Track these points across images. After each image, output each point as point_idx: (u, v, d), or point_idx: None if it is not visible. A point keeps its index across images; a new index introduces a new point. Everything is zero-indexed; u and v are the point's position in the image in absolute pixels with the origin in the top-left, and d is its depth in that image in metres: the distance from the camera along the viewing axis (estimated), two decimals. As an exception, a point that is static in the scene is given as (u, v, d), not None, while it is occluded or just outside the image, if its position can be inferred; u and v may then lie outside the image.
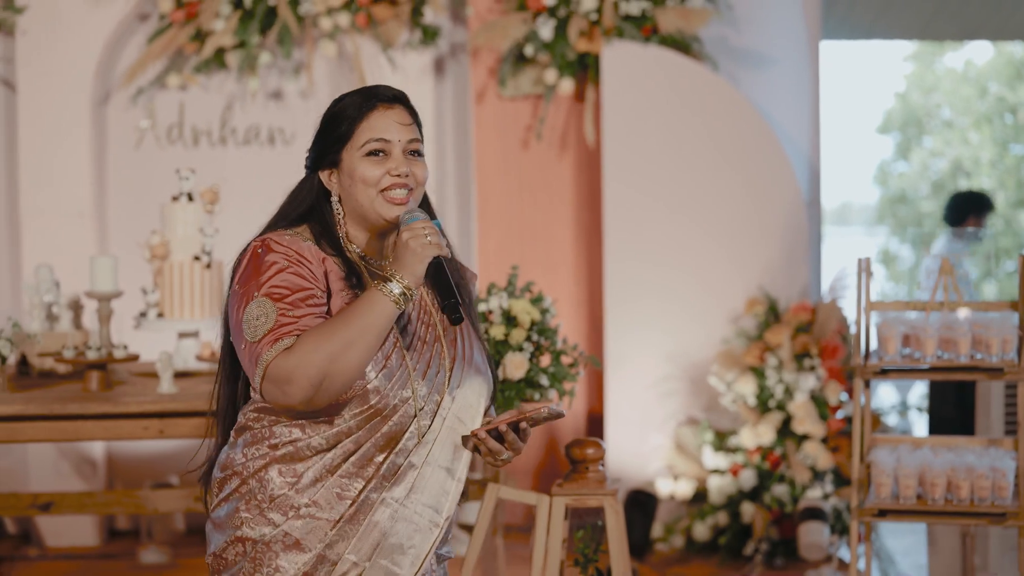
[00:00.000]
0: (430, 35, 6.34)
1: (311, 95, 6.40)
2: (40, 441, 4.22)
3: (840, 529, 5.80)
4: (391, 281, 2.34)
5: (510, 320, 4.05)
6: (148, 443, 6.20)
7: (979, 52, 17.73)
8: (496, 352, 4.03)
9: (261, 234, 2.47)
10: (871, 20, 9.38)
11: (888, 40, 11.44)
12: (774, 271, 6.16)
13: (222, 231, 5.01)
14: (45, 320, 4.91)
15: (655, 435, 6.16)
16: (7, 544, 6.18)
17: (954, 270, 4.17)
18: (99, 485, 6.25)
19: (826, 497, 5.82)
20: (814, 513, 5.68)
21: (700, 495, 6.05)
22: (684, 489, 6.03)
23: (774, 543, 5.82)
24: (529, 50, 6.27)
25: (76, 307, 5.00)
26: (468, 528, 6.24)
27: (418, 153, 2.52)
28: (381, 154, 2.47)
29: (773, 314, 6.02)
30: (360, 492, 2.40)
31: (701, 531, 5.92)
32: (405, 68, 6.42)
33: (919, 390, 8.36)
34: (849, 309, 5.99)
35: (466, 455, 2.51)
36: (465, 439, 2.47)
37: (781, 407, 5.88)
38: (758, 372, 5.90)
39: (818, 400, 5.87)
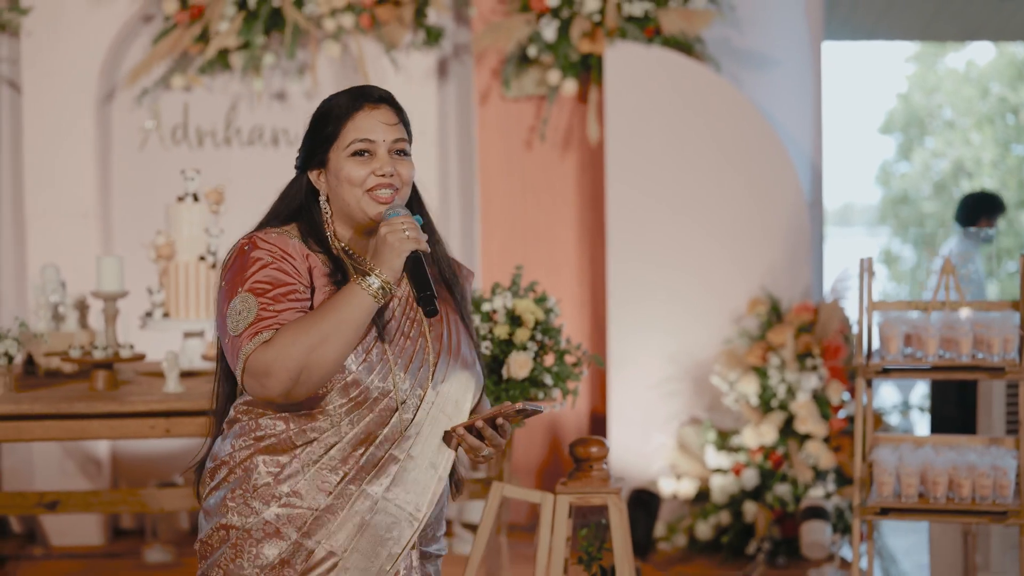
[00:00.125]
0: (433, 36, 6.36)
1: (315, 96, 6.42)
2: (47, 440, 4.26)
3: (842, 528, 5.82)
4: (370, 275, 2.38)
5: (514, 319, 4.07)
6: (153, 443, 6.22)
7: (981, 53, 17.76)
8: (500, 351, 4.05)
9: (251, 232, 2.52)
10: (873, 21, 9.40)
11: (890, 41, 11.45)
12: (776, 271, 6.17)
13: (227, 231, 5.02)
14: (51, 320, 4.94)
15: (658, 435, 6.17)
16: (12, 543, 6.20)
17: (956, 270, 4.19)
18: (104, 484, 6.28)
19: (828, 496, 5.84)
20: (816, 512, 5.70)
21: (703, 494, 6.06)
22: (687, 488, 6.05)
23: (776, 542, 5.84)
24: (532, 51, 6.30)
25: (82, 307, 5.02)
26: (471, 527, 6.27)
27: (404, 152, 2.54)
28: (367, 154, 2.50)
29: (775, 314, 6.04)
30: (339, 483, 2.44)
31: (704, 530, 5.94)
32: (409, 69, 6.44)
33: (921, 390, 8.37)
34: (851, 309, 6.01)
35: (450, 451, 2.53)
36: (447, 436, 2.49)
37: (783, 407, 5.89)
38: (760, 372, 5.92)
39: (820, 400, 5.89)
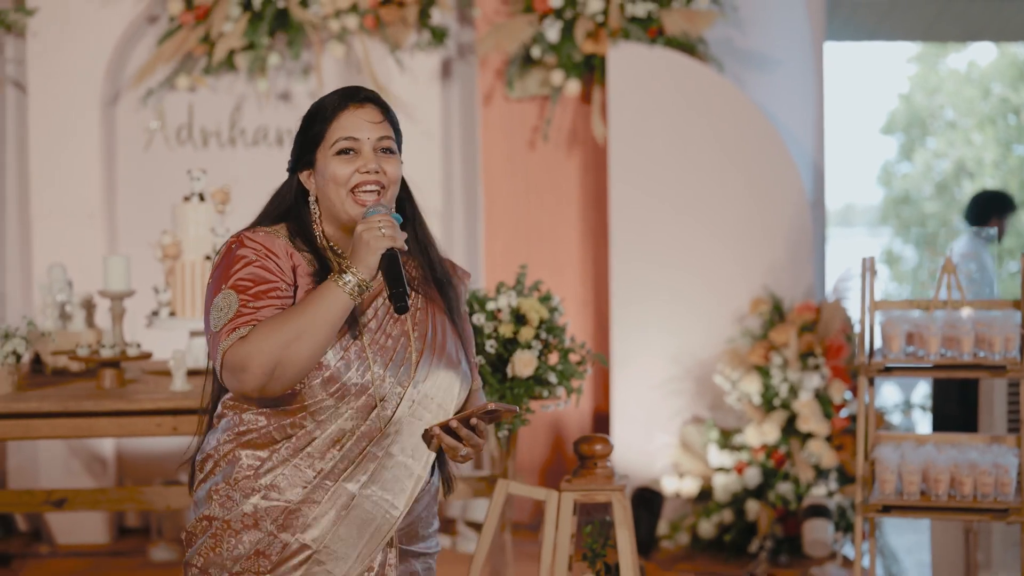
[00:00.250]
0: (438, 36, 6.39)
1: (320, 96, 6.44)
2: (55, 438, 4.28)
3: (844, 526, 5.84)
4: (346, 273, 2.40)
5: (519, 318, 4.10)
6: (157, 441, 6.25)
7: (982, 53, 17.76)
8: (505, 349, 4.07)
9: (240, 231, 2.56)
10: (875, 22, 9.42)
11: (892, 41, 11.48)
12: (779, 271, 6.20)
13: (233, 231, 5.04)
14: (58, 319, 4.97)
15: (661, 433, 6.20)
16: (18, 541, 6.23)
17: (957, 269, 4.22)
18: (109, 483, 6.30)
19: (830, 495, 5.86)
20: (818, 510, 5.72)
21: (705, 493, 6.09)
22: (689, 487, 6.07)
23: (779, 540, 5.86)
24: (536, 52, 6.32)
25: (89, 306, 5.05)
26: (474, 525, 6.29)
27: (390, 151, 2.56)
28: (352, 152, 2.53)
29: (778, 314, 6.06)
30: (317, 478, 2.47)
31: (706, 528, 5.97)
32: (413, 69, 6.47)
33: (922, 390, 8.39)
34: (853, 309, 6.03)
35: (431, 444, 2.54)
36: (426, 436, 2.51)
37: (786, 406, 5.92)
38: (763, 371, 5.94)
39: (822, 399, 5.91)
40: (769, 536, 5.82)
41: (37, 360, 4.86)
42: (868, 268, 4.26)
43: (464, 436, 2.47)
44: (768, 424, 5.88)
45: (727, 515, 5.95)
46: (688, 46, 6.29)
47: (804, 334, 5.97)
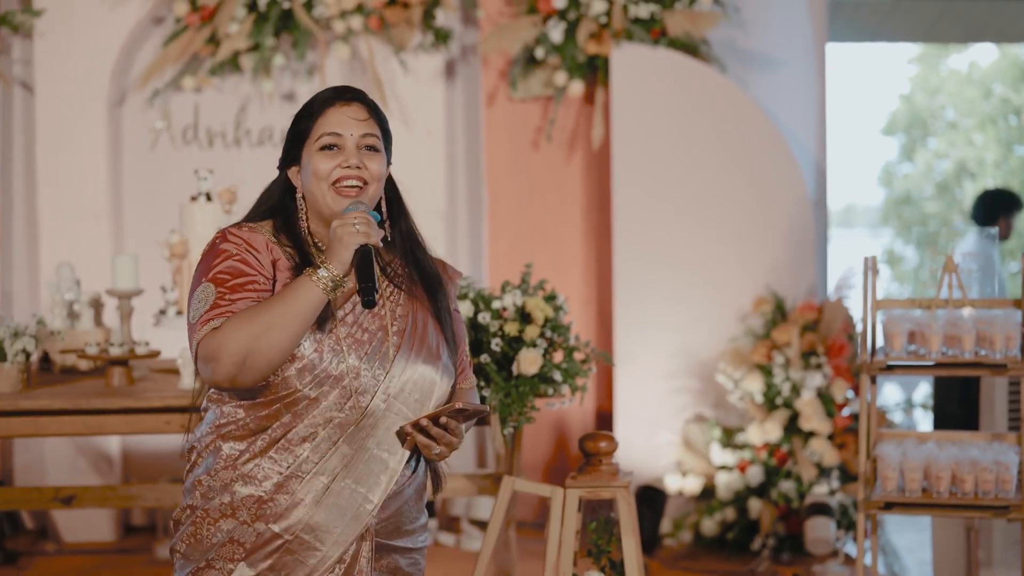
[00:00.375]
0: (442, 37, 6.42)
1: (319, 96, 6.47)
2: (65, 435, 4.31)
3: (846, 524, 5.87)
4: (321, 268, 2.45)
5: (524, 317, 4.13)
6: (163, 440, 6.28)
7: (983, 54, 17.79)
8: (510, 348, 4.10)
9: (225, 227, 2.62)
10: (876, 23, 9.45)
11: (893, 42, 11.51)
12: (781, 271, 6.22)
13: (237, 230, 5.07)
14: (66, 318, 5.00)
15: (664, 432, 6.23)
16: (25, 539, 6.26)
17: (959, 268, 4.25)
18: (115, 481, 6.33)
19: (832, 493, 5.89)
20: (820, 509, 5.75)
21: (708, 491, 6.11)
22: (692, 485, 6.10)
23: (781, 538, 5.89)
24: (539, 52, 6.35)
25: (97, 305, 5.09)
26: (478, 523, 6.32)
27: (374, 148, 2.59)
28: (335, 148, 2.57)
29: (780, 313, 6.09)
30: (291, 468, 2.51)
31: (709, 526, 5.99)
32: (417, 70, 6.50)
33: (923, 389, 8.42)
34: (855, 308, 6.06)
35: (407, 441, 2.57)
36: (399, 434, 2.55)
37: (788, 404, 5.94)
38: (765, 370, 5.97)
39: (824, 397, 5.93)
40: (771, 534, 5.85)
41: (45, 359, 4.90)
42: (870, 267, 4.29)
43: (435, 435, 2.51)
44: (770, 423, 5.91)
45: (729, 513, 5.98)
46: (691, 47, 6.32)
47: (806, 333, 6.00)
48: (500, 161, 6.62)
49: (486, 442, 6.50)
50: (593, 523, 3.69)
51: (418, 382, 2.58)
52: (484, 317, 4.11)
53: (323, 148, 2.57)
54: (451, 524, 6.38)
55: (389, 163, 2.65)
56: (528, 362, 4.05)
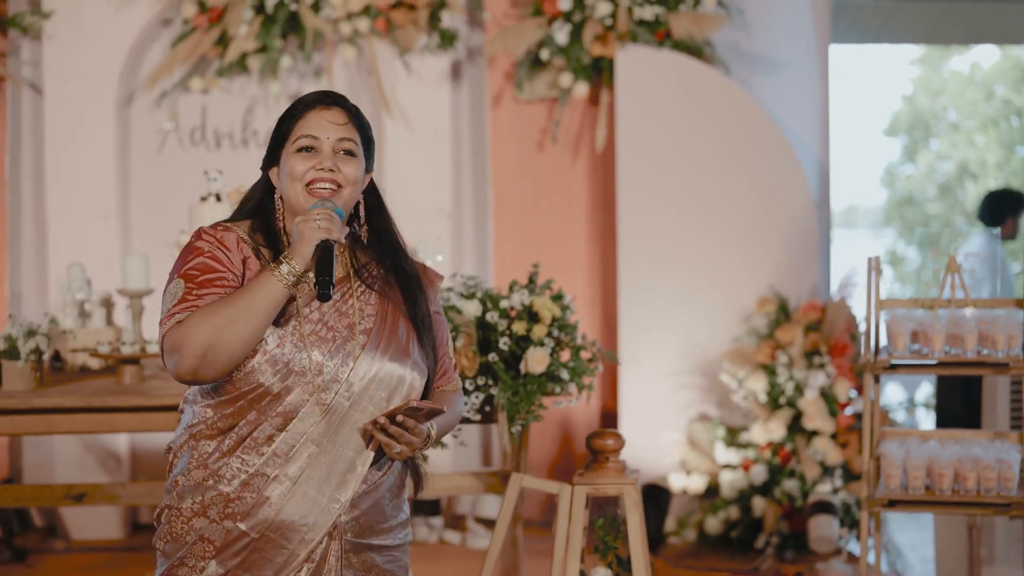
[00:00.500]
0: (447, 39, 6.45)
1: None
2: (77, 433, 4.36)
3: (849, 523, 5.90)
4: (283, 263, 2.49)
5: (532, 316, 4.16)
6: (171, 438, 6.31)
7: (985, 55, 17.80)
8: (518, 347, 4.14)
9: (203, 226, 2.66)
10: (879, 24, 9.48)
11: (895, 44, 11.54)
12: (784, 271, 6.26)
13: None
14: (77, 317, 5.04)
15: (668, 431, 6.26)
16: (34, 537, 6.29)
17: (961, 268, 4.28)
18: (124, 479, 6.37)
19: (835, 492, 5.92)
20: (824, 507, 5.78)
21: (712, 490, 6.15)
22: (696, 484, 6.13)
23: (784, 537, 5.92)
24: (545, 54, 6.39)
25: (107, 304, 5.13)
26: (484, 521, 6.36)
27: (350, 153, 2.62)
28: (312, 150, 2.60)
29: (783, 313, 6.12)
30: (255, 467, 2.54)
31: (713, 525, 6.02)
32: (422, 72, 6.54)
33: (926, 389, 8.45)
34: (858, 308, 6.08)
35: (372, 441, 2.58)
36: (363, 434, 2.57)
37: (791, 404, 5.98)
38: (769, 369, 6.00)
39: (827, 397, 5.96)
40: (775, 532, 5.88)
41: (57, 357, 4.94)
42: (874, 267, 4.32)
43: (394, 433, 2.53)
44: (774, 422, 5.94)
45: (733, 512, 6.01)
46: (695, 49, 6.36)
47: (809, 333, 6.03)
48: (505, 162, 6.66)
49: (491, 440, 6.54)
50: (600, 520, 3.72)
51: (384, 379, 2.59)
52: (492, 316, 4.15)
53: (300, 150, 2.60)
54: (457, 522, 6.42)
55: (370, 169, 2.67)
56: (536, 361, 4.09)
